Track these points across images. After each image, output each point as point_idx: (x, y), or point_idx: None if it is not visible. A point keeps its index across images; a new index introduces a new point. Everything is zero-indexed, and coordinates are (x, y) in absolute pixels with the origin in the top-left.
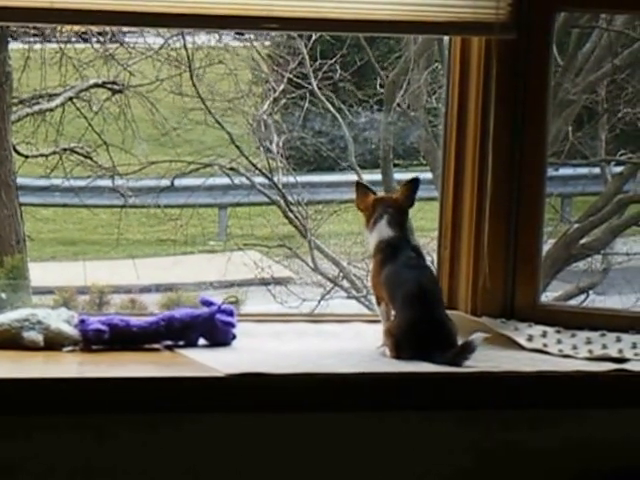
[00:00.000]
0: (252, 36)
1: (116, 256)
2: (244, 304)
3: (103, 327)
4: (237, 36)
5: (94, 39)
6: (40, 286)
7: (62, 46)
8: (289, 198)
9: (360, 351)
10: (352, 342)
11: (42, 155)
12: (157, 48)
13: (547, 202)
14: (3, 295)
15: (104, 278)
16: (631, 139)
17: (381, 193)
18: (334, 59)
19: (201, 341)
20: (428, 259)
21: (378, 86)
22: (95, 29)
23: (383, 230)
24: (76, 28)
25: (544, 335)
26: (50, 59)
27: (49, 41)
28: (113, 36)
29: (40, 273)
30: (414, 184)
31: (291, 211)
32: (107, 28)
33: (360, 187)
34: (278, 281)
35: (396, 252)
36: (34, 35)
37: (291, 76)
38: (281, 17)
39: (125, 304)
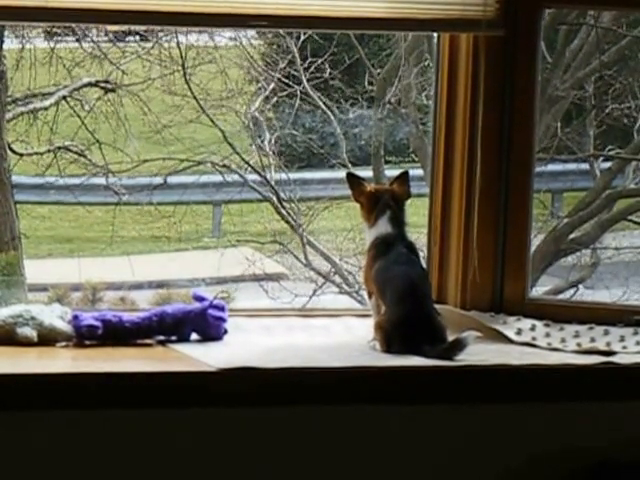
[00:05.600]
0: (243, 34)
1: (111, 253)
2: (237, 300)
3: (96, 323)
4: (229, 35)
5: (87, 38)
6: (36, 283)
7: (54, 45)
8: (281, 195)
9: (350, 345)
10: (342, 336)
11: (37, 153)
12: (149, 47)
13: (536, 197)
14: None
15: (99, 275)
16: (619, 135)
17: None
18: (325, 57)
19: (193, 336)
20: (420, 254)
21: (367, 84)
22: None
23: (383, 226)
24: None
25: (533, 329)
26: (42, 59)
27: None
28: (106, 35)
29: (36, 270)
30: (406, 176)
31: (283, 207)
32: (100, 27)
33: (353, 178)
34: (271, 277)
35: (389, 248)
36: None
37: (283, 73)
38: (270, 15)
39: (118, 302)
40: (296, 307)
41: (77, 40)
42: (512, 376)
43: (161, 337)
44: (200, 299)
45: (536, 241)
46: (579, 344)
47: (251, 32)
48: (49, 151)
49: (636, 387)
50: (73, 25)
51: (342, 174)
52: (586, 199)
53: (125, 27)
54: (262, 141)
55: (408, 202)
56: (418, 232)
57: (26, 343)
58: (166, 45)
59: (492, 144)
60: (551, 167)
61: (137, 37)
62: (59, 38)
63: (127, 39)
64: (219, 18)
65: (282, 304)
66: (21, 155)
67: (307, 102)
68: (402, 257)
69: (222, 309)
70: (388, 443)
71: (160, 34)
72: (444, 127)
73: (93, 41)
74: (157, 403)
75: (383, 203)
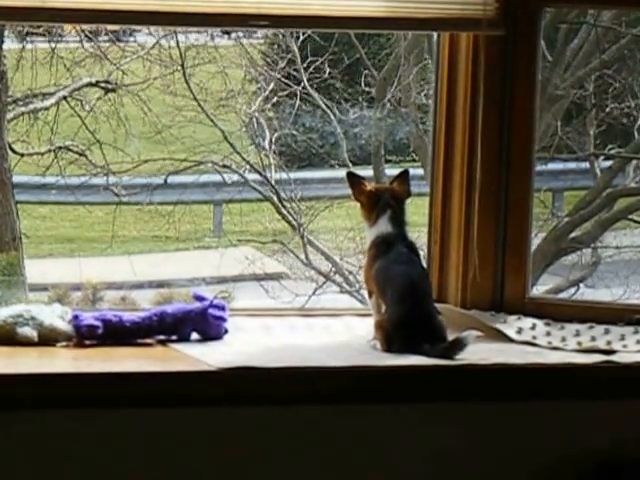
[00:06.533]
0: (242, 34)
1: (112, 253)
2: (238, 299)
3: (96, 322)
4: (228, 35)
5: (86, 38)
6: (37, 283)
7: (54, 45)
8: (282, 194)
9: (351, 345)
10: (343, 336)
11: (37, 153)
12: (149, 47)
13: (536, 197)
14: None
15: (100, 275)
16: (619, 134)
17: (372, 183)
18: (325, 56)
19: (193, 336)
20: (420, 254)
21: (364, 84)
22: (87, 28)
23: (383, 226)
24: (68, 27)
25: (533, 328)
26: (42, 59)
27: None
28: (106, 35)
29: (37, 270)
30: (406, 175)
31: (284, 207)
32: (100, 27)
33: (353, 177)
34: (271, 276)
35: (389, 248)
36: (27, 34)
37: (283, 72)
38: (270, 14)
39: (118, 301)
40: (296, 306)
41: (79, 39)
42: (512, 375)
43: (161, 337)
44: (200, 299)
45: (537, 240)
46: (579, 343)
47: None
48: (50, 151)
49: (636, 386)
50: (71, 25)
51: (342, 173)
52: (587, 198)
53: (126, 27)
54: (262, 141)
55: (408, 201)
56: (419, 231)
57: (26, 343)
58: (166, 45)
59: (492, 143)
60: (551, 166)
61: (106, 37)
62: (58, 38)
63: (100, 39)
64: (219, 18)
65: (282, 303)
66: (22, 155)
67: (307, 102)
68: (402, 256)
69: (222, 309)
70: (388, 442)
71: (160, 33)
72: (444, 126)
73: (93, 41)
74: (157, 403)
75: (383, 202)
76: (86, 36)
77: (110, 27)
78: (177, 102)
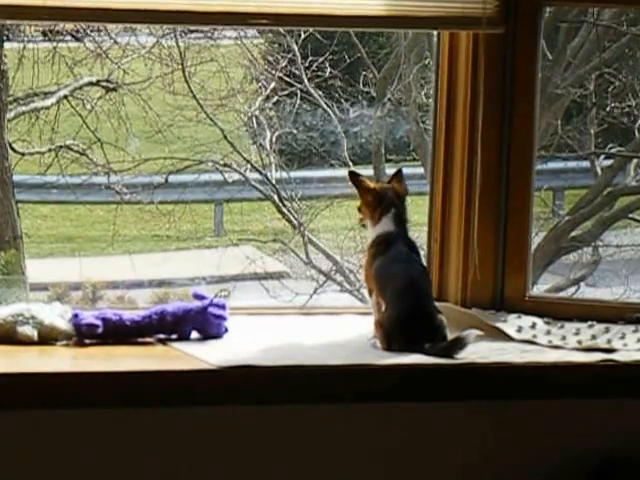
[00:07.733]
0: (244, 33)
1: (113, 252)
2: (238, 298)
3: (96, 321)
4: (229, 34)
5: (87, 37)
6: (38, 282)
7: (55, 45)
8: (282, 193)
9: (351, 343)
10: (343, 334)
11: (38, 153)
12: (150, 46)
13: (537, 195)
14: None
15: (101, 274)
16: (619, 133)
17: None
18: (325, 55)
19: (193, 334)
20: (420, 252)
21: (363, 84)
22: (87, 27)
23: (386, 224)
24: (69, 26)
25: (533, 326)
26: (43, 58)
27: (47, 40)
28: (107, 34)
29: (38, 270)
30: (402, 174)
31: (284, 206)
32: (100, 26)
33: (355, 176)
34: (272, 275)
35: (389, 246)
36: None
37: (284, 71)
38: (270, 13)
39: (118, 301)
40: (297, 305)
41: (77, 39)
42: (512, 374)
43: (161, 335)
44: (200, 298)
45: (537, 239)
46: (580, 341)
47: (252, 31)
48: (50, 150)
49: (636, 384)
50: (71, 24)
51: (343, 172)
52: (587, 197)
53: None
54: (263, 140)
55: (409, 201)
56: (419, 230)
57: (26, 342)
58: (166, 44)
59: (492, 142)
60: (552, 165)
61: (107, 37)
62: (60, 37)
63: (100, 38)
64: (219, 16)
65: (283, 302)
66: (22, 154)
67: (308, 101)
68: (403, 255)
69: (223, 307)
70: (388, 440)
71: (159, 33)
72: (444, 125)
73: (94, 40)
74: (158, 402)
75: (388, 201)
76: (87, 35)
77: (110, 26)
78: (178, 101)
